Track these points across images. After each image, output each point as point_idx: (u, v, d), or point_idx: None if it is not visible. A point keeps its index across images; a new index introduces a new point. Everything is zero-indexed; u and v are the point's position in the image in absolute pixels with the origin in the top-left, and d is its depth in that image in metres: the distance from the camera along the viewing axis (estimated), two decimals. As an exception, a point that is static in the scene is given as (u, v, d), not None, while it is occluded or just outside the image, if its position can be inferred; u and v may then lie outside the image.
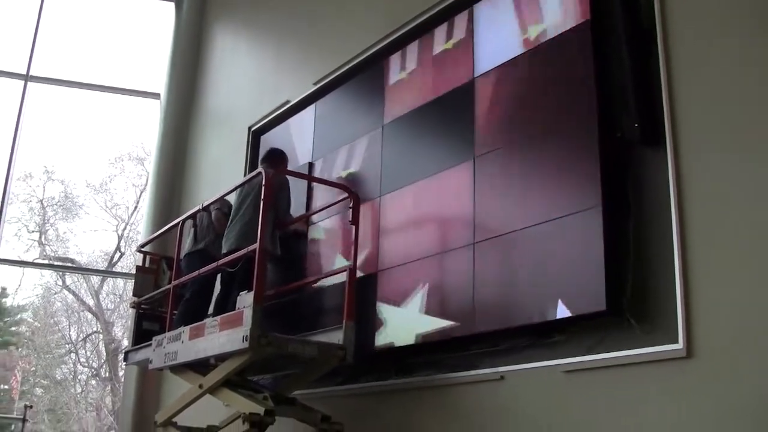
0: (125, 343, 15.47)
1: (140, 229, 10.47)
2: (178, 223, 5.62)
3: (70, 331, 18.06)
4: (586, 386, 3.55)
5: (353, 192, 4.94)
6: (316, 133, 5.99)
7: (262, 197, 4.54)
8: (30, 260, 16.82)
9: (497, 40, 4.45)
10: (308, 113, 6.18)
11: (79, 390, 17.89)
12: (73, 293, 17.89)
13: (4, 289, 17.93)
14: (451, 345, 4.28)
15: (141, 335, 5.82)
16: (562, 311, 3.61)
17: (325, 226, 5.54)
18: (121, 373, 14.86)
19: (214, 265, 4.99)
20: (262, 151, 6.18)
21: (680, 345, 3.17)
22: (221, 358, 4.54)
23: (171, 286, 5.42)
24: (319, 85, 6.06)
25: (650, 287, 3.38)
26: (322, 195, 5.58)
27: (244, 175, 6.54)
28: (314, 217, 5.62)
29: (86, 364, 18.08)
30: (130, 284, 7.21)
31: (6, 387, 17.54)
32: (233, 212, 5.32)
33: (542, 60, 4.13)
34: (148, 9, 13.29)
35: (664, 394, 3.22)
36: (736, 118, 3.23)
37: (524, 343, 3.87)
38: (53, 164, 17.40)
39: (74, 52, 15.13)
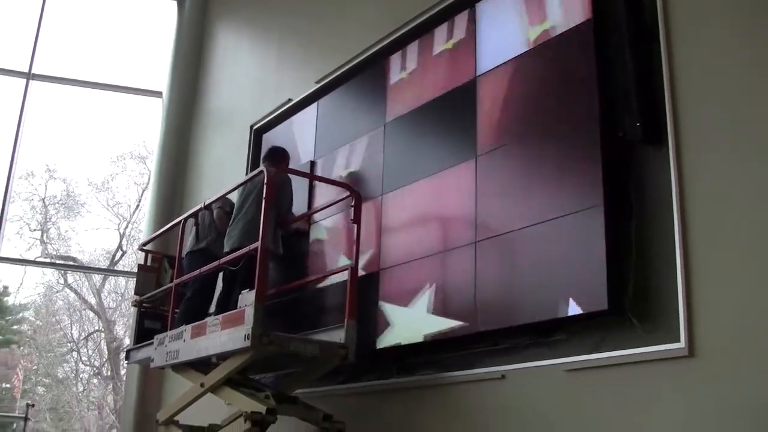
0: (127, 341, 15.47)
1: (142, 228, 10.47)
2: (180, 221, 5.63)
3: (71, 329, 18.05)
4: (587, 385, 3.55)
5: (355, 190, 4.94)
6: (318, 132, 5.99)
7: (264, 195, 4.54)
8: (32, 259, 16.81)
9: (499, 38, 4.45)
10: (310, 112, 6.17)
11: (81, 388, 17.88)
12: (75, 292, 17.88)
13: (5, 287, 17.91)
14: (452, 344, 4.28)
15: (143, 334, 5.82)
16: (573, 309, 3.60)
17: (326, 225, 5.53)
18: (122, 372, 14.88)
19: (215, 263, 4.99)
20: (264, 150, 6.17)
21: (682, 344, 3.17)
22: (223, 356, 4.54)
23: (173, 284, 5.42)
24: (320, 84, 6.06)
25: (652, 286, 3.38)
26: (324, 193, 5.58)
27: (246, 174, 6.53)
28: (316, 216, 5.62)
29: (88, 363, 18.08)
30: (132, 283, 7.21)
31: (8, 385, 17.55)
32: (235, 211, 5.31)
33: (544, 59, 4.12)
34: (150, 7, 13.27)
35: (666, 393, 3.22)
36: (738, 117, 3.23)
37: (526, 342, 3.87)
38: (55, 162, 17.38)
39: (76, 51, 15.10)
